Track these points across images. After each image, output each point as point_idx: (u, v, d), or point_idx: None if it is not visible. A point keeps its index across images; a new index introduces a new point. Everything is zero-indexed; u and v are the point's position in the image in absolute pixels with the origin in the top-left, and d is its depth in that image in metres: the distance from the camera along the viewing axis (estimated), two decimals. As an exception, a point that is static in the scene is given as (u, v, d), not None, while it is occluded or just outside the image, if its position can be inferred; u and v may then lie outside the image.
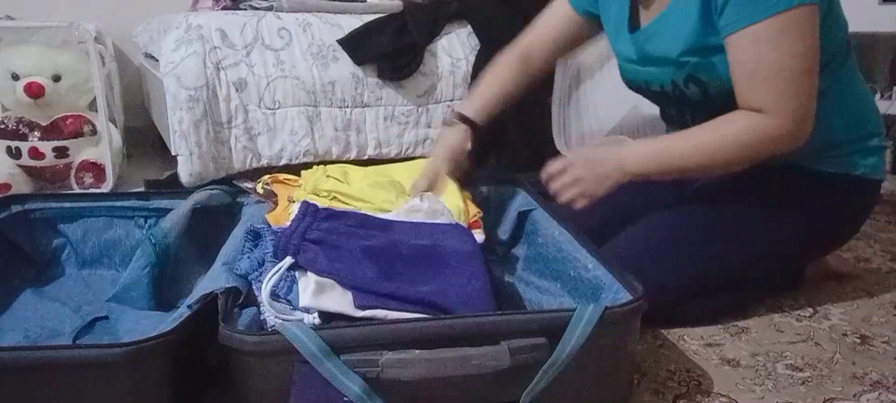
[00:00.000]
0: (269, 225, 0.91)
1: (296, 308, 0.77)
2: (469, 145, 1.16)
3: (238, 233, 0.98)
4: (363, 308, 0.76)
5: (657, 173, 0.99)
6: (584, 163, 1.01)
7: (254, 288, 0.80)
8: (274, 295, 0.77)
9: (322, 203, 0.97)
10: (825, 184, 1.03)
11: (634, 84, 1.12)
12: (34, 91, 1.63)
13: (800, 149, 0.97)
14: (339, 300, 0.76)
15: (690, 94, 1.01)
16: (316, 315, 0.76)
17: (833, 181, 1.03)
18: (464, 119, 1.16)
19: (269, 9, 1.69)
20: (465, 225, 1.00)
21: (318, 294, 0.75)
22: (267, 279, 0.77)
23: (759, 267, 1.07)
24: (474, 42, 1.79)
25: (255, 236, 0.90)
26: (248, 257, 0.84)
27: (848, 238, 1.15)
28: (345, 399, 0.67)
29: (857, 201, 1.08)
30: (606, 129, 1.83)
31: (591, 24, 1.17)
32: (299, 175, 1.15)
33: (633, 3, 1.06)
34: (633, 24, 1.07)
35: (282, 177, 1.14)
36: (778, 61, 0.89)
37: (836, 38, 0.98)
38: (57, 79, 1.67)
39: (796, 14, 0.87)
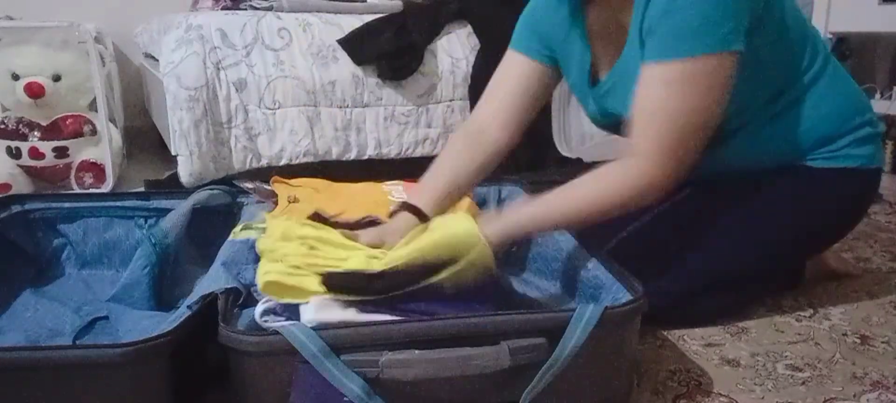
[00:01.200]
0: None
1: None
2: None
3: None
4: (367, 313, 0.75)
5: (534, 232, 0.97)
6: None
7: (256, 296, 0.80)
8: (273, 312, 0.76)
9: (297, 252, 0.80)
10: (821, 179, 1.02)
11: (607, 130, 1.10)
12: (34, 91, 1.63)
13: (793, 148, 0.97)
14: (343, 313, 0.75)
15: None
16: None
17: (829, 175, 1.02)
18: (413, 209, 0.96)
19: (269, 9, 1.69)
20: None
21: (321, 309, 0.74)
22: (263, 300, 0.77)
23: (759, 265, 1.07)
24: (474, 42, 1.79)
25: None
26: (254, 267, 0.84)
27: (851, 228, 1.14)
28: (345, 399, 0.67)
29: (856, 192, 1.07)
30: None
31: (552, 71, 1.07)
32: (298, 176, 1.15)
33: (593, 53, 1.01)
34: (593, 77, 1.03)
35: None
36: (673, 109, 0.84)
37: (798, 55, 0.97)
38: (57, 79, 1.67)
39: (710, 62, 0.83)
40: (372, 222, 0.99)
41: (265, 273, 0.75)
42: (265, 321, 0.75)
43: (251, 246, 0.90)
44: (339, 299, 0.75)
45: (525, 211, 0.91)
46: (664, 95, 0.85)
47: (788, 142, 1.00)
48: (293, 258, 0.77)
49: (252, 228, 0.96)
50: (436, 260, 0.77)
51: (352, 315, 0.74)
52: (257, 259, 0.87)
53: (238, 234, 0.95)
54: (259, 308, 0.76)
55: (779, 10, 0.93)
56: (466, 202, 1.17)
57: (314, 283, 0.75)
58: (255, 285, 0.81)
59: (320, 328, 0.72)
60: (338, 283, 0.75)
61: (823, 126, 1.00)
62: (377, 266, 0.77)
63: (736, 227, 1.04)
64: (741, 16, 0.85)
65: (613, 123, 1.02)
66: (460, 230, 0.80)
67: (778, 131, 1.00)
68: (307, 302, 0.74)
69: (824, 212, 1.05)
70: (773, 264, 1.10)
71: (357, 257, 0.79)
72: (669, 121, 0.85)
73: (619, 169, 0.88)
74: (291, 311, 0.76)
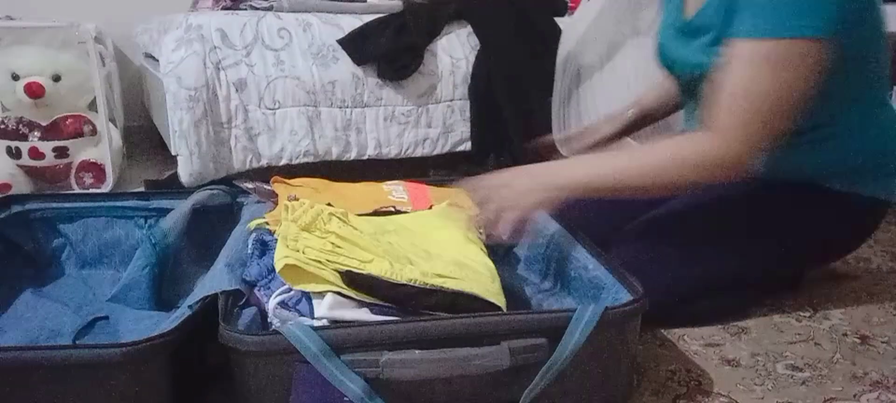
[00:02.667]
0: (272, 234, 0.90)
1: (305, 315, 0.76)
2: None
3: (238, 233, 0.98)
4: (380, 314, 0.76)
5: (587, 190, 0.90)
6: (510, 175, 0.93)
7: (262, 294, 0.80)
8: (283, 305, 0.76)
9: (318, 246, 0.79)
10: (834, 201, 1.00)
11: (665, 61, 1.08)
12: (34, 91, 1.63)
13: (814, 169, 0.96)
14: (356, 312, 0.75)
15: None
16: (325, 321, 0.75)
17: (842, 199, 1.00)
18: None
19: (269, 9, 1.69)
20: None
21: (334, 307, 0.74)
22: (278, 291, 0.77)
23: (761, 273, 1.07)
24: (474, 42, 1.79)
25: (262, 245, 0.89)
26: (257, 263, 0.84)
27: (851, 251, 1.14)
28: (345, 399, 0.67)
29: (866, 219, 1.06)
30: (606, 129, 1.82)
31: None
32: (298, 176, 1.14)
33: None
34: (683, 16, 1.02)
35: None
36: (760, 90, 0.83)
37: (867, 73, 0.95)
38: (57, 79, 1.67)
39: (799, 46, 0.81)
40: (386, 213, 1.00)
41: (284, 256, 0.75)
42: (277, 313, 0.75)
43: (258, 240, 0.90)
44: (355, 297, 0.75)
45: (586, 168, 0.90)
46: (751, 75, 0.83)
47: (817, 161, 0.99)
48: (313, 252, 0.77)
49: (265, 227, 0.95)
50: (456, 301, 0.76)
51: (364, 315, 0.75)
52: (263, 253, 0.87)
53: (251, 226, 0.95)
54: (273, 300, 0.76)
55: (877, 17, 0.91)
56: (463, 195, 1.17)
57: (331, 275, 0.75)
58: (260, 281, 0.81)
59: (329, 325, 0.72)
60: (357, 281, 0.75)
61: (857, 157, 0.99)
62: (400, 275, 0.77)
63: (742, 235, 1.03)
64: (844, 4, 0.82)
65: (682, 49, 1.00)
66: (493, 289, 0.81)
67: (817, 147, 0.98)
68: (322, 298, 0.74)
69: (831, 232, 1.05)
70: (775, 273, 1.10)
71: (380, 262, 0.78)
72: (754, 103, 0.83)
73: (697, 142, 0.86)
74: (305, 306, 0.76)
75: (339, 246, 0.80)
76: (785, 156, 0.95)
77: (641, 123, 1.25)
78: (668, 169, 0.87)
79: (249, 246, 0.90)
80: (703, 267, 1.02)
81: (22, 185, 1.68)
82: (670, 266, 1.01)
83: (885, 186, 1.02)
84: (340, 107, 1.67)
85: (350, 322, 0.73)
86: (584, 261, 0.94)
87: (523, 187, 0.91)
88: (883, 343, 0.99)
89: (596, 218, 1.03)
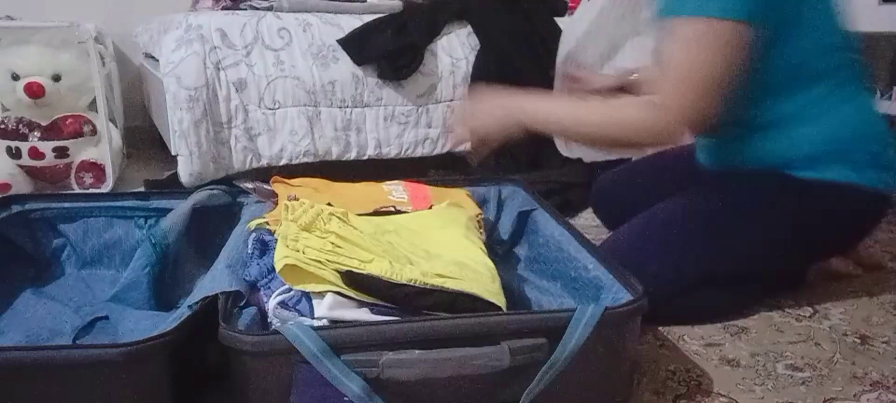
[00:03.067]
0: (272, 234, 0.90)
1: (305, 315, 0.76)
2: None
3: (238, 233, 0.98)
4: (379, 314, 0.76)
5: (543, 126, 1.03)
6: (488, 98, 1.07)
7: (262, 293, 0.80)
8: (283, 305, 0.76)
9: (318, 246, 0.79)
10: (833, 191, 1.01)
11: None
12: (34, 91, 1.63)
13: (809, 156, 0.98)
14: (356, 312, 0.75)
15: None
16: (325, 321, 0.75)
17: (841, 190, 1.01)
18: None
19: (269, 9, 1.69)
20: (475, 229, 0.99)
21: (334, 307, 0.74)
22: (278, 291, 0.77)
23: (759, 266, 1.07)
24: (474, 42, 1.79)
25: (262, 245, 0.89)
26: (258, 263, 0.84)
27: (853, 246, 1.14)
28: (345, 399, 0.67)
29: (866, 212, 1.06)
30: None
31: None
32: (298, 176, 1.14)
33: None
34: None
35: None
36: (688, 63, 0.91)
37: (829, 60, 0.98)
38: (57, 79, 1.67)
39: (724, 26, 0.88)
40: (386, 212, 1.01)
41: (284, 256, 0.75)
42: (277, 313, 0.75)
43: (258, 240, 0.90)
44: (355, 297, 0.75)
45: (548, 107, 1.02)
46: (679, 49, 0.92)
47: (782, 148, 1.02)
48: (313, 252, 0.77)
49: (265, 227, 0.95)
50: (456, 301, 0.77)
51: (364, 315, 0.75)
52: (263, 253, 0.87)
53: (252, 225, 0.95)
54: (273, 300, 0.76)
55: (818, 10, 0.96)
56: (463, 195, 1.17)
57: (331, 275, 0.75)
58: (260, 281, 0.81)
59: (329, 325, 0.72)
60: (358, 281, 0.75)
61: (843, 135, 1.00)
62: (400, 275, 0.77)
63: (739, 226, 1.04)
64: None
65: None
66: (494, 290, 0.82)
67: (781, 135, 1.01)
68: (322, 298, 0.74)
69: (831, 224, 1.05)
70: (774, 266, 1.10)
71: (380, 262, 0.79)
72: (685, 75, 0.91)
73: (637, 106, 0.95)
74: (305, 305, 0.76)
75: (339, 246, 0.80)
76: (752, 145, 1.03)
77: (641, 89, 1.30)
78: (610, 127, 0.97)
79: (249, 246, 0.90)
80: (702, 258, 1.03)
81: (22, 185, 1.68)
82: (668, 257, 1.02)
83: (883, 179, 1.02)
84: (340, 107, 1.67)
85: (350, 322, 0.73)
86: (584, 261, 0.94)
87: (493, 107, 1.06)
88: (883, 343, 0.99)
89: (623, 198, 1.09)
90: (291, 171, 1.43)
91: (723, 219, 1.04)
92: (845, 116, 1.01)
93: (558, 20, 1.86)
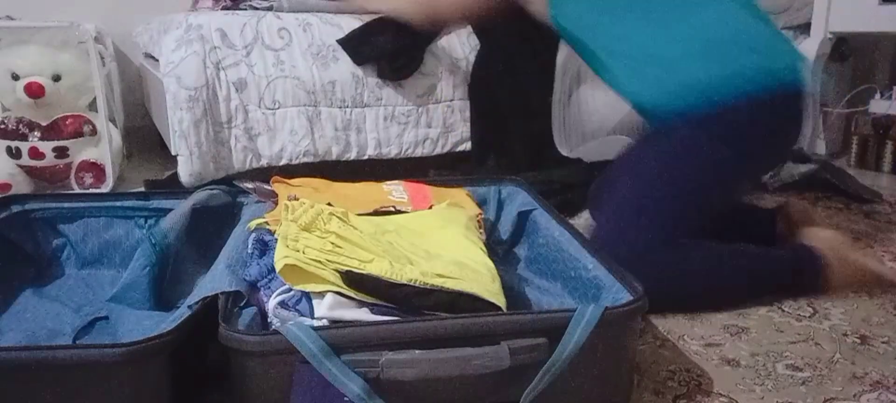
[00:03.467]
0: (272, 234, 0.90)
1: (305, 315, 0.76)
2: None
3: (238, 233, 0.98)
4: (379, 314, 0.76)
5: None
6: None
7: (262, 293, 0.80)
8: (283, 305, 0.76)
9: (318, 246, 0.79)
10: (734, 101, 1.07)
11: None
12: (34, 91, 1.63)
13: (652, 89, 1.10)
14: (356, 312, 0.75)
15: None
16: (325, 321, 0.75)
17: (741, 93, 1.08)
18: None
19: (269, 9, 1.69)
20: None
21: (334, 307, 0.74)
22: (278, 291, 0.77)
23: (714, 200, 1.13)
24: (474, 42, 1.79)
25: (262, 245, 0.89)
26: (257, 263, 0.84)
27: (769, 157, 1.20)
28: (345, 399, 0.67)
29: (773, 105, 1.10)
30: (606, 129, 1.83)
31: None
32: (298, 176, 1.14)
33: None
34: None
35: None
36: None
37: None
38: (57, 79, 1.67)
39: None
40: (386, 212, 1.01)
41: (284, 256, 0.75)
42: (277, 313, 0.75)
43: (258, 240, 0.90)
44: (355, 297, 0.75)
45: None
46: None
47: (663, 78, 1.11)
48: (313, 252, 0.77)
49: (265, 227, 0.95)
50: (456, 301, 0.77)
51: (364, 315, 0.75)
52: (263, 253, 0.87)
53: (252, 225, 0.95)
54: (273, 300, 0.76)
55: None
56: (463, 195, 1.17)
57: (331, 275, 0.75)
58: (260, 281, 0.81)
59: (330, 325, 0.72)
60: (358, 281, 0.75)
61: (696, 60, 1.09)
62: (400, 275, 0.77)
63: (677, 170, 1.10)
64: None
65: None
66: (494, 290, 0.82)
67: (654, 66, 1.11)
68: (322, 298, 0.74)
69: (735, 137, 1.10)
70: (722, 194, 1.15)
71: (380, 262, 0.79)
72: None
73: None
74: (305, 305, 0.76)
75: (339, 246, 0.80)
76: (633, 83, 1.15)
77: None
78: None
79: (249, 246, 0.90)
80: (659, 211, 1.08)
81: (22, 185, 1.68)
82: (630, 225, 1.08)
83: (751, 71, 1.08)
84: (340, 107, 1.67)
85: (350, 322, 0.74)
86: (584, 261, 0.94)
87: None
88: (883, 343, 0.99)
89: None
90: (291, 171, 1.43)
91: (662, 164, 1.10)
92: (709, 21, 1.10)
93: (558, 20, 1.86)
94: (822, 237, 1.19)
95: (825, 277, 1.14)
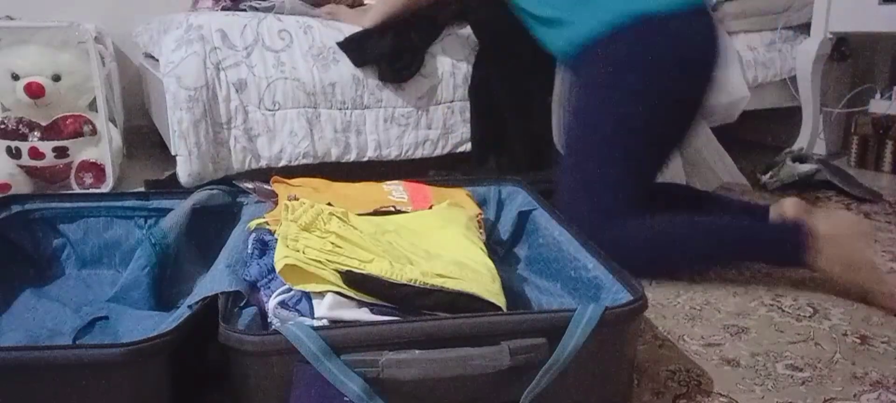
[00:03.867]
0: (272, 234, 0.90)
1: (305, 315, 0.76)
2: None
3: (238, 233, 0.98)
4: (379, 314, 0.76)
5: None
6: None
7: (262, 293, 0.80)
8: (283, 305, 0.76)
9: (318, 246, 0.79)
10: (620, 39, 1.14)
11: None
12: (34, 91, 1.63)
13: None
14: (356, 312, 0.75)
15: None
16: (325, 321, 0.75)
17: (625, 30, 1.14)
18: None
19: (270, 10, 1.69)
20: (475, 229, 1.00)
21: (334, 307, 0.74)
22: (278, 291, 0.77)
23: (646, 147, 1.16)
24: (474, 43, 1.79)
25: (262, 245, 0.89)
26: (257, 263, 0.84)
27: (702, 77, 1.19)
28: (345, 399, 0.67)
29: (677, 37, 1.13)
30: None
31: None
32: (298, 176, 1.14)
33: None
34: None
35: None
36: None
37: None
38: (57, 79, 1.67)
39: None
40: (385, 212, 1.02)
41: (284, 256, 0.75)
42: (277, 313, 0.75)
43: (258, 240, 0.90)
44: (355, 297, 0.75)
45: None
46: None
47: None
48: (313, 252, 0.77)
49: (265, 227, 0.95)
50: (456, 301, 0.77)
51: (364, 315, 0.75)
52: (263, 253, 0.87)
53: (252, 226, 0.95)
54: (273, 300, 0.76)
55: None
56: (463, 195, 1.17)
57: (331, 275, 0.75)
58: (260, 281, 0.81)
59: (330, 325, 0.72)
60: (358, 281, 0.75)
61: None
62: (400, 275, 0.77)
63: (577, 135, 1.18)
64: None
65: None
66: (494, 290, 0.82)
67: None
68: (322, 298, 0.74)
69: (646, 68, 1.13)
70: (658, 137, 1.18)
71: (380, 262, 0.79)
72: None
73: None
74: (305, 305, 0.76)
75: (339, 246, 0.80)
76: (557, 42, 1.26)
77: None
78: None
79: (249, 246, 0.90)
80: (603, 170, 1.13)
81: (22, 185, 1.68)
82: (581, 195, 1.13)
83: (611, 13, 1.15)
84: (340, 109, 1.67)
85: (350, 322, 0.74)
86: (584, 261, 0.94)
87: None
88: (883, 343, 0.99)
89: None
90: (291, 173, 1.43)
91: (584, 125, 1.16)
92: None
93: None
94: (823, 217, 1.18)
95: (809, 247, 1.11)
